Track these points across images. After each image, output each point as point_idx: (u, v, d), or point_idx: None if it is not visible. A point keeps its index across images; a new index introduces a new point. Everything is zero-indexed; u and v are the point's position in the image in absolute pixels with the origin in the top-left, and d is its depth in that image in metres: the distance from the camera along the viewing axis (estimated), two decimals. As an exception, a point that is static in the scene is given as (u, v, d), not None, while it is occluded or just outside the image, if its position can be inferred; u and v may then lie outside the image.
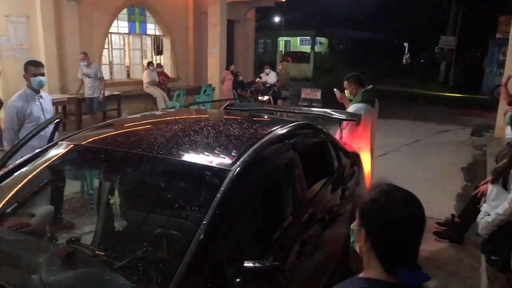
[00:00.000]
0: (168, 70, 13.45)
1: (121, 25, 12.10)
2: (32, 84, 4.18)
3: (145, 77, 11.60)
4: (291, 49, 35.37)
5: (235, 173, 2.04)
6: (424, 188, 5.85)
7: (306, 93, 13.17)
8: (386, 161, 7.65)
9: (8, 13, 8.60)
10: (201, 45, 14.04)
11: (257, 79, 12.96)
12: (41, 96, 4.29)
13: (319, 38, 36.13)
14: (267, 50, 35.51)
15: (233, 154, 2.21)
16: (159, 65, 12.49)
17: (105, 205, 2.59)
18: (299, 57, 28.24)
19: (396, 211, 1.25)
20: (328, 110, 4.34)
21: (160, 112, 3.81)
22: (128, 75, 12.79)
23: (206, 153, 2.23)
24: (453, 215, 4.79)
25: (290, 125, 2.96)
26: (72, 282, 1.70)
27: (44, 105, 4.31)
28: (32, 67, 4.18)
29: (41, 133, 3.59)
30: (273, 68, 14.04)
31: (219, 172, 2.06)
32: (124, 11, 11.93)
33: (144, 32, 12.94)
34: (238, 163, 2.11)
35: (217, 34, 12.39)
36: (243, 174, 2.07)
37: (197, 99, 11.66)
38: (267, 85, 12.25)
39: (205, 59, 13.26)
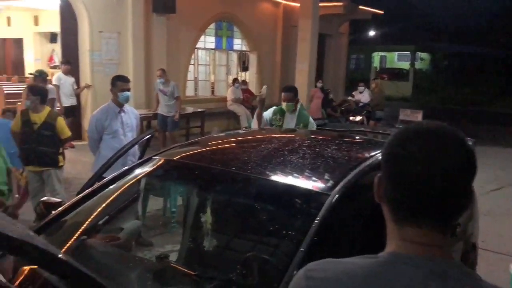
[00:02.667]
0: (253, 87, 13.87)
1: (208, 40, 12.77)
2: (119, 98, 4.60)
3: (229, 94, 12.07)
4: (387, 66, 34.64)
5: (334, 199, 2.05)
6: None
7: (405, 114, 12.77)
8: (500, 197, 7.10)
9: (102, 29, 9.52)
10: (288, 60, 14.30)
11: (349, 98, 12.86)
12: (123, 111, 4.70)
13: (420, 53, 35.01)
14: (360, 67, 35.12)
15: (331, 177, 2.22)
16: (244, 82, 12.94)
17: (194, 223, 2.72)
18: (397, 75, 27.53)
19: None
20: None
21: (251, 130, 3.94)
22: (213, 91, 13.39)
23: (301, 175, 2.27)
24: None
25: (394, 149, 2.90)
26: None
27: (125, 119, 4.70)
28: (120, 82, 4.62)
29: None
30: (368, 85, 13.86)
31: (317, 197, 2.08)
32: (212, 26, 12.60)
33: (230, 48, 13.52)
34: (338, 188, 2.12)
35: (307, 49, 12.53)
36: (343, 201, 2.07)
37: (282, 118, 11.83)
38: (360, 104, 12.10)
39: (292, 76, 13.45)
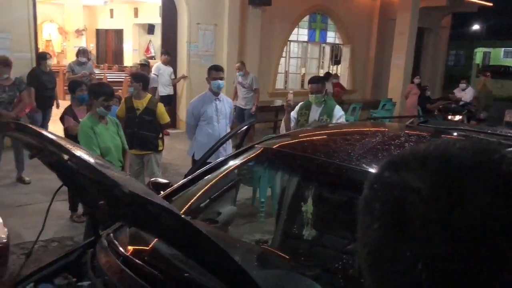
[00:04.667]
0: (344, 81, 13.67)
1: (300, 32, 12.79)
2: (212, 86, 4.94)
3: (319, 87, 12.01)
4: (491, 63, 32.38)
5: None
6: None
7: (511, 116, 11.88)
8: None
9: (199, 21, 9.92)
10: (383, 55, 13.92)
11: (450, 95, 12.22)
12: (219, 99, 5.01)
13: (531, 49, 32.31)
14: (459, 63, 33.20)
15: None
16: (335, 75, 12.80)
17: (291, 211, 2.77)
18: (502, 73, 25.65)
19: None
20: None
21: (350, 123, 3.92)
22: (302, 85, 13.40)
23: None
24: None
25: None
26: (271, 282, 1.88)
27: (219, 107, 5.00)
28: (214, 71, 4.96)
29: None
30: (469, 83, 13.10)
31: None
32: (306, 18, 12.60)
33: (323, 41, 13.43)
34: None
35: (404, 43, 12.14)
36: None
37: (374, 114, 11.56)
38: (461, 102, 11.45)
39: (387, 71, 13.09)
